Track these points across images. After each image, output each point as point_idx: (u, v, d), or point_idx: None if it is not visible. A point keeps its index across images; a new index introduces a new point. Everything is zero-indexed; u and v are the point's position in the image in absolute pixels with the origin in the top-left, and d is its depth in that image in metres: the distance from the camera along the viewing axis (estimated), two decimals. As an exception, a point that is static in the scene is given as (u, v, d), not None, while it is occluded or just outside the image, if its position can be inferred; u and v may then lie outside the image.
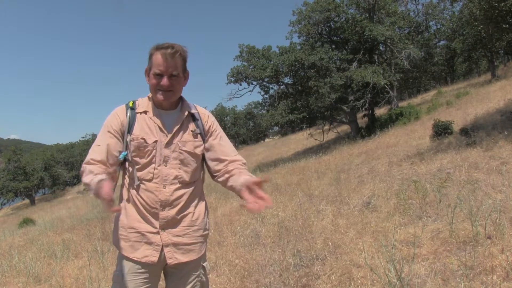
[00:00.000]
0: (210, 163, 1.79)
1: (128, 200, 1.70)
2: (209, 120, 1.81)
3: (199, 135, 1.76)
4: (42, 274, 4.32)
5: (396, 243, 3.35)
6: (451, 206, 3.91)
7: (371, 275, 2.86)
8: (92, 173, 1.57)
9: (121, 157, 1.68)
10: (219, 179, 1.78)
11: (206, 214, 1.82)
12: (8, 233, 10.07)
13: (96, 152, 1.67)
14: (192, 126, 1.75)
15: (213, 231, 4.85)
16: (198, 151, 1.75)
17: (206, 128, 1.79)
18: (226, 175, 1.74)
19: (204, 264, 1.83)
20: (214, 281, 3.35)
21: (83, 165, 1.66)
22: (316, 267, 3.22)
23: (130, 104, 1.74)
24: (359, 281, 2.84)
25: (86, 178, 1.57)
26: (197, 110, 1.79)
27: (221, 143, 1.79)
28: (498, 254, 2.77)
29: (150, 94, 1.76)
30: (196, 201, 1.76)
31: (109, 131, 1.69)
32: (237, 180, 1.65)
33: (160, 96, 1.67)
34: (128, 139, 1.68)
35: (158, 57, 1.63)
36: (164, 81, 1.64)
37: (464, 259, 2.81)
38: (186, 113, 1.75)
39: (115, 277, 1.73)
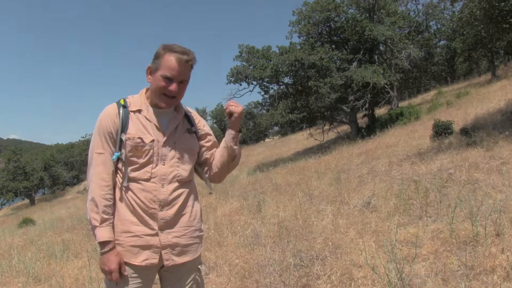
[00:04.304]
0: (206, 155, 1.84)
1: (121, 202, 1.65)
2: (198, 118, 1.86)
3: (194, 133, 1.79)
4: (42, 274, 4.32)
5: (396, 243, 3.34)
6: (452, 206, 3.90)
7: (372, 275, 2.85)
8: (97, 221, 1.60)
9: (114, 157, 1.64)
10: (214, 162, 1.84)
11: (201, 214, 1.83)
12: (7, 233, 10.06)
13: (101, 164, 1.63)
14: (187, 124, 1.78)
15: (213, 231, 4.84)
16: (196, 148, 1.79)
17: (199, 126, 1.83)
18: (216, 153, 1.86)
19: (200, 266, 1.82)
20: (214, 281, 3.35)
21: (93, 197, 1.61)
22: (316, 267, 3.22)
23: (122, 102, 1.69)
24: (359, 281, 2.84)
25: (93, 222, 1.62)
26: (188, 110, 1.83)
27: (213, 137, 1.89)
28: (498, 254, 2.77)
29: (143, 92, 1.75)
30: (192, 201, 1.76)
31: (107, 135, 1.65)
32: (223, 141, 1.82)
33: (162, 103, 1.66)
34: (123, 138, 1.63)
35: (171, 60, 1.60)
36: (174, 86, 1.63)
37: (464, 259, 2.80)
38: (183, 113, 1.78)
39: (108, 283, 1.67)
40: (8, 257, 5.64)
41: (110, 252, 1.59)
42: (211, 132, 1.88)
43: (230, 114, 1.74)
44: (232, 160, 1.82)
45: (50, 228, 8.79)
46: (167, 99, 1.65)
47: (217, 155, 1.83)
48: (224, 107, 1.77)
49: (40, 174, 44.08)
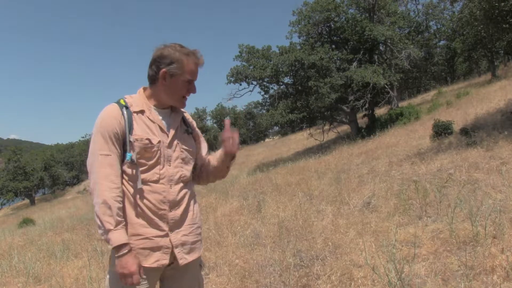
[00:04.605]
0: (197, 160, 1.86)
1: (128, 205, 1.61)
2: (190, 119, 1.87)
3: (190, 134, 1.81)
4: (42, 274, 4.32)
5: (396, 243, 3.34)
6: (451, 206, 3.91)
7: (372, 275, 2.86)
8: (111, 224, 1.51)
9: (128, 158, 1.58)
10: (204, 171, 1.87)
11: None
12: (7, 233, 10.06)
13: (108, 166, 1.56)
14: (184, 125, 1.80)
15: (213, 231, 4.84)
16: (194, 148, 1.80)
17: (192, 126, 1.85)
18: (208, 164, 1.88)
19: (201, 264, 1.86)
20: (214, 281, 3.35)
21: (105, 200, 1.52)
22: (316, 267, 3.22)
23: (122, 102, 1.65)
24: (359, 281, 2.84)
25: (107, 226, 1.51)
26: (182, 111, 1.84)
27: (203, 140, 1.90)
28: (498, 254, 2.77)
29: (141, 91, 1.72)
30: (193, 200, 1.79)
31: (113, 136, 1.58)
32: (216, 154, 1.83)
33: (180, 105, 1.73)
34: (131, 140, 1.59)
35: (191, 64, 1.65)
36: (194, 88, 1.70)
37: (464, 259, 2.80)
38: (182, 114, 1.78)
39: (113, 285, 1.64)
40: (8, 257, 5.65)
41: (128, 254, 1.54)
42: (200, 133, 1.90)
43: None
44: (222, 176, 1.91)
45: (50, 228, 8.80)
46: (185, 100, 1.72)
47: (208, 166, 1.88)
48: (222, 138, 1.74)
49: (40, 174, 44.10)
